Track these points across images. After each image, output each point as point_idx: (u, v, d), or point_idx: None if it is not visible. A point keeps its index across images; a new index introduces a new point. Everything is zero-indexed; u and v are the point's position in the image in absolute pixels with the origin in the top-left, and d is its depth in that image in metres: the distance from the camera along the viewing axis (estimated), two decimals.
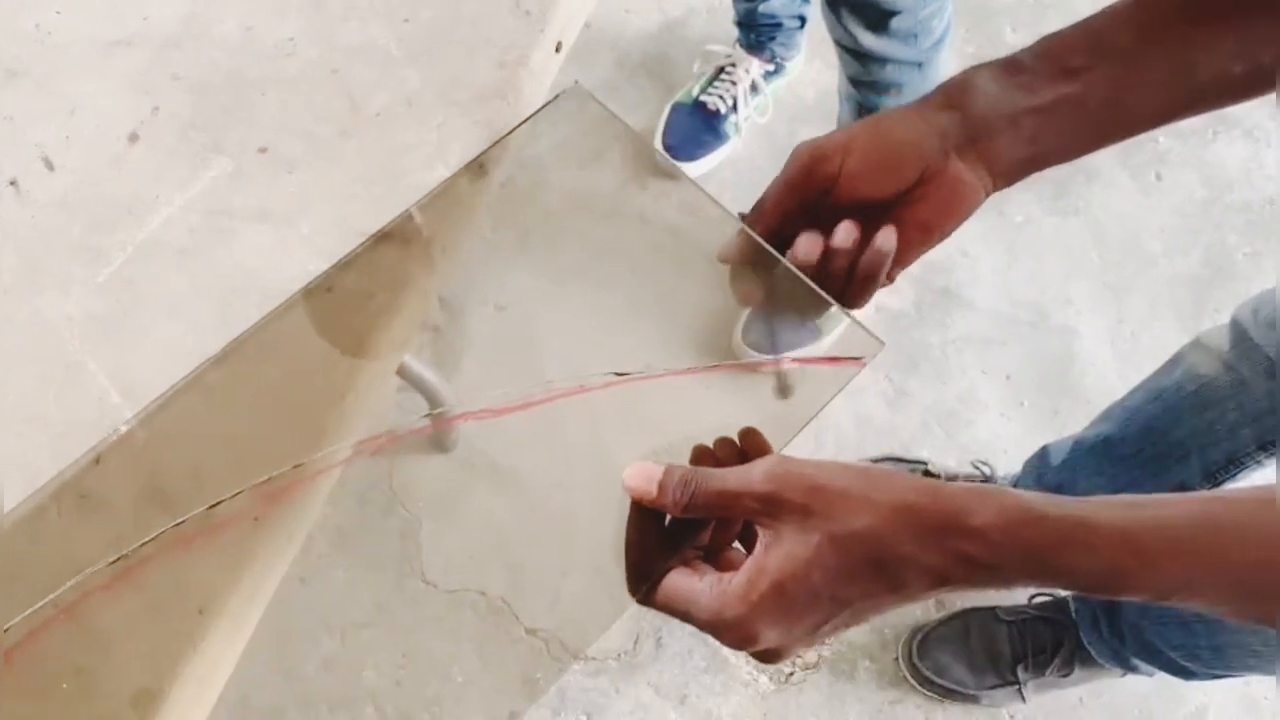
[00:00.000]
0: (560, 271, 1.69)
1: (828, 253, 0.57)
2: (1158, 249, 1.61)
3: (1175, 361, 1.07)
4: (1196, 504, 0.42)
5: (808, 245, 0.58)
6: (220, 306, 0.59)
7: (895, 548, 0.43)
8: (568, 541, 1.49)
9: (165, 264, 0.60)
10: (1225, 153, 1.69)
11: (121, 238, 0.61)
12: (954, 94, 0.57)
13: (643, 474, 0.49)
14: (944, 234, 0.59)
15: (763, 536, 0.46)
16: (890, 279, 0.59)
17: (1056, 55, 0.56)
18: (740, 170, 1.69)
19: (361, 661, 1.29)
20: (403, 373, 1.37)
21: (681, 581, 0.48)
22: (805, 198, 0.58)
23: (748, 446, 0.53)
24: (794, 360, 0.65)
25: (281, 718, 1.25)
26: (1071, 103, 0.55)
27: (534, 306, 1.68)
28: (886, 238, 0.56)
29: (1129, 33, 0.55)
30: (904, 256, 0.59)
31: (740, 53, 1.62)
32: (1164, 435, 1.04)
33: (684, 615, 0.48)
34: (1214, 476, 1.00)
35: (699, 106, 1.63)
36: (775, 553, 0.45)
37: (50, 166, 0.63)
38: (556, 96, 0.71)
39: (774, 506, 0.45)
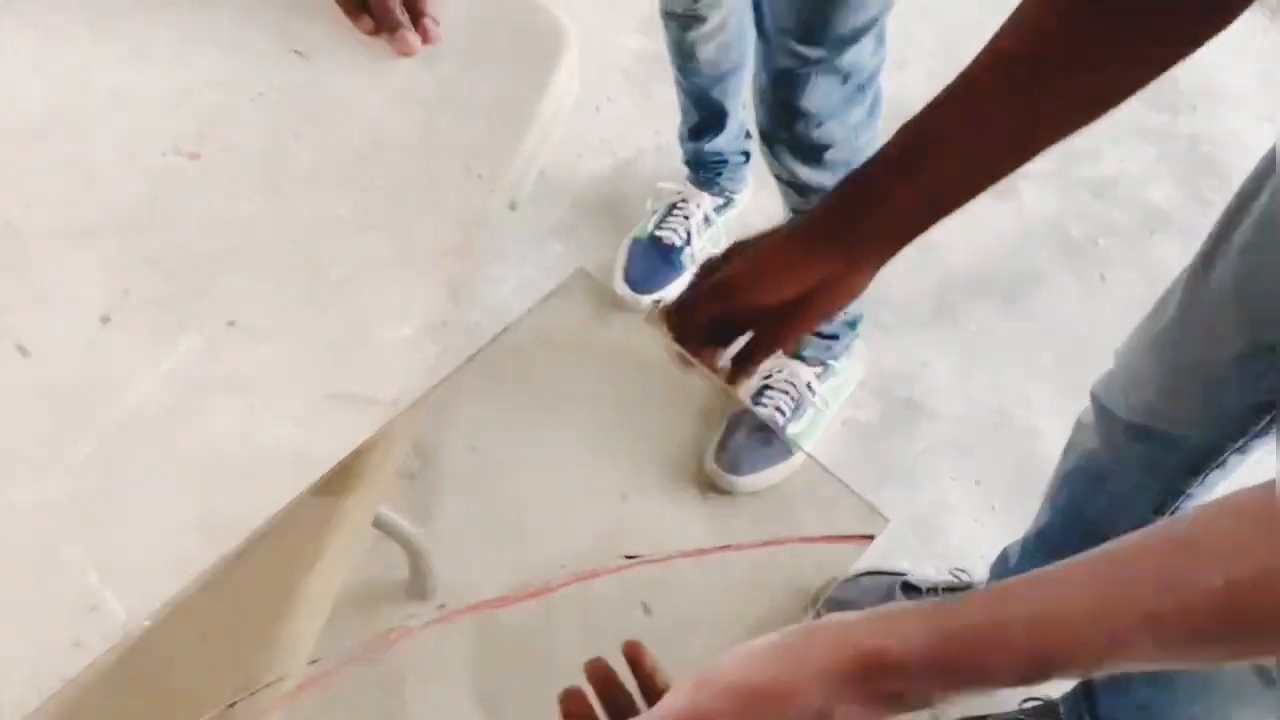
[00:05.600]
0: (529, 407, 1.71)
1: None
2: (1107, 345, 1.65)
3: (1069, 446, 1.15)
4: (1097, 559, 0.43)
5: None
6: (197, 478, 0.60)
7: (831, 714, 0.43)
8: (553, 691, 1.46)
9: (141, 441, 0.61)
10: (1163, 250, 1.75)
11: (96, 418, 0.62)
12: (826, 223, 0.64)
13: None
14: (841, 310, 0.67)
15: None
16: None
17: (894, 159, 0.62)
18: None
19: None
20: (379, 524, 1.37)
21: None
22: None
23: (632, 662, 0.55)
24: (804, 540, 0.69)
25: None
26: (923, 191, 0.61)
27: (506, 444, 1.69)
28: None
29: (962, 115, 0.60)
30: (801, 336, 0.71)
31: (691, 189, 1.68)
32: (1082, 514, 1.10)
33: None
34: None
35: (655, 241, 1.68)
36: None
37: (25, 353, 0.64)
38: (569, 278, 0.76)
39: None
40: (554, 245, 1.80)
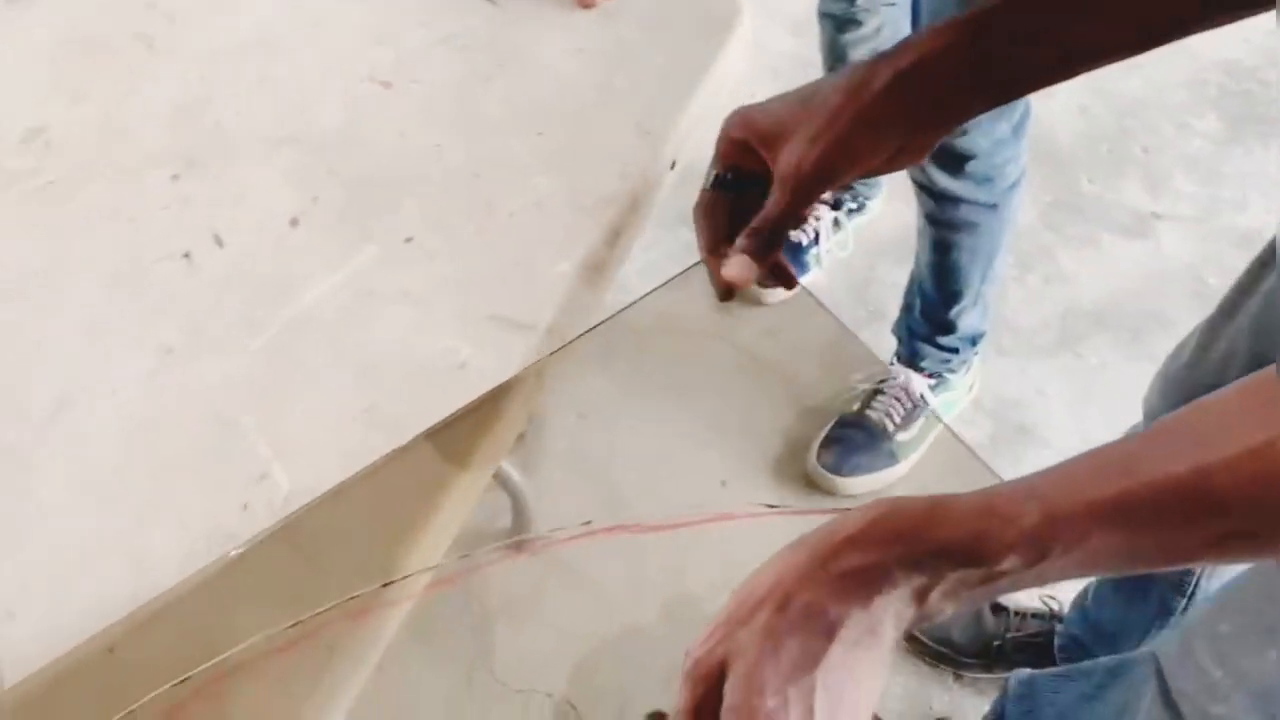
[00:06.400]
0: (640, 385, 1.75)
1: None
2: None
3: None
4: (1091, 452, 0.44)
5: (741, 271, 0.58)
6: (363, 375, 0.65)
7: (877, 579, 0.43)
8: (639, 651, 1.50)
9: (317, 335, 0.66)
10: None
11: (277, 311, 0.67)
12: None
13: None
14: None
15: None
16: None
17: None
18: (820, 299, 1.74)
19: None
20: (499, 479, 1.42)
21: None
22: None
23: None
24: None
25: None
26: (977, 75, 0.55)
27: (613, 417, 1.73)
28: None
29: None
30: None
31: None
32: None
33: None
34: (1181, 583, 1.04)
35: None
36: None
37: (220, 243, 0.70)
38: (693, 266, 0.77)
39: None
40: (684, 232, 1.83)
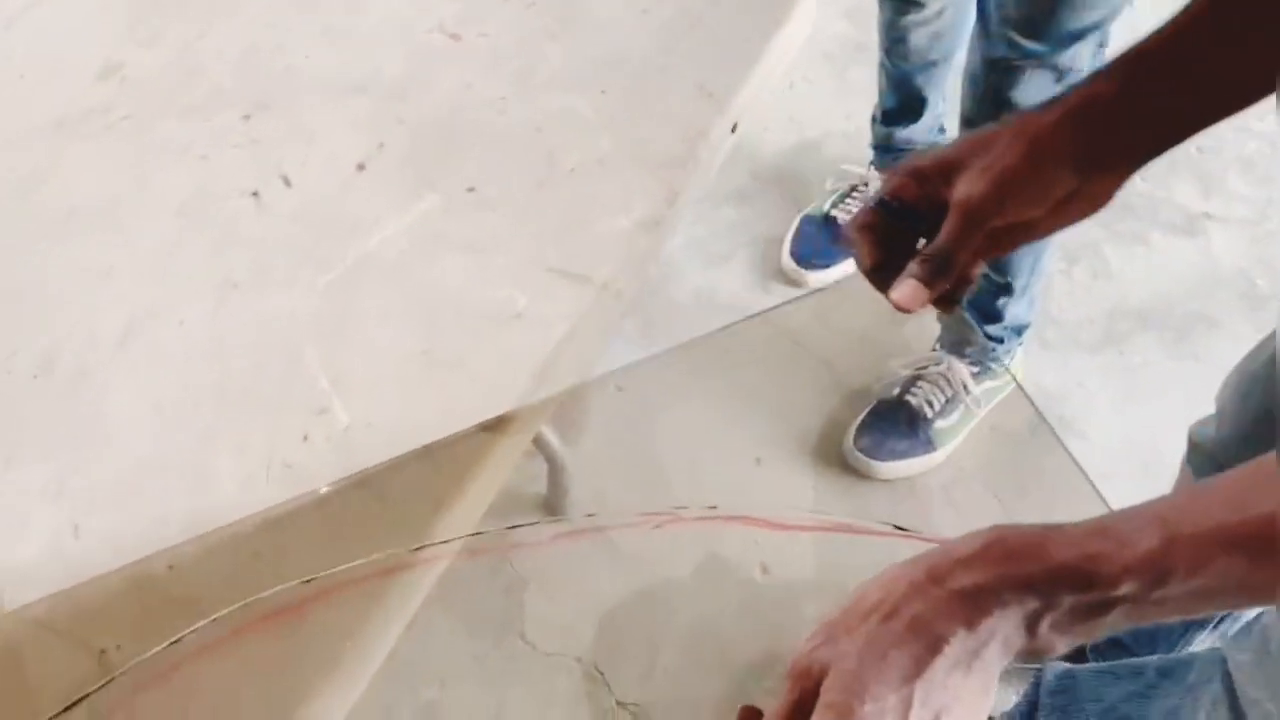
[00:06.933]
0: (681, 360, 1.75)
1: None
2: None
3: (1176, 484, 1.12)
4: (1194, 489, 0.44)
5: (911, 296, 0.59)
6: (422, 317, 0.66)
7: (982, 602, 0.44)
8: (667, 620, 1.51)
9: (379, 277, 0.68)
10: None
11: (342, 251, 0.69)
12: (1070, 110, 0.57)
13: None
14: (1062, 229, 0.60)
15: None
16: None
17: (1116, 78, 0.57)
18: (862, 283, 1.74)
19: (456, 713, 1.32)
20: (538, 443, 1.43)
21: None
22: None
23: None
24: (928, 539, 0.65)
25: None
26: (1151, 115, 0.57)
27: (652, 391, 1.74)
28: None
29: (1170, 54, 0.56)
30: (1016, 248, 0.62)
31: (874, 174, 1.70)
32: None
33: None
34: None
35: (828, 220, 1.70)
36: None
37: (288, 184, 0.71)
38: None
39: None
40: (728, 210, 1.84)
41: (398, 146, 0.74)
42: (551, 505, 1.51)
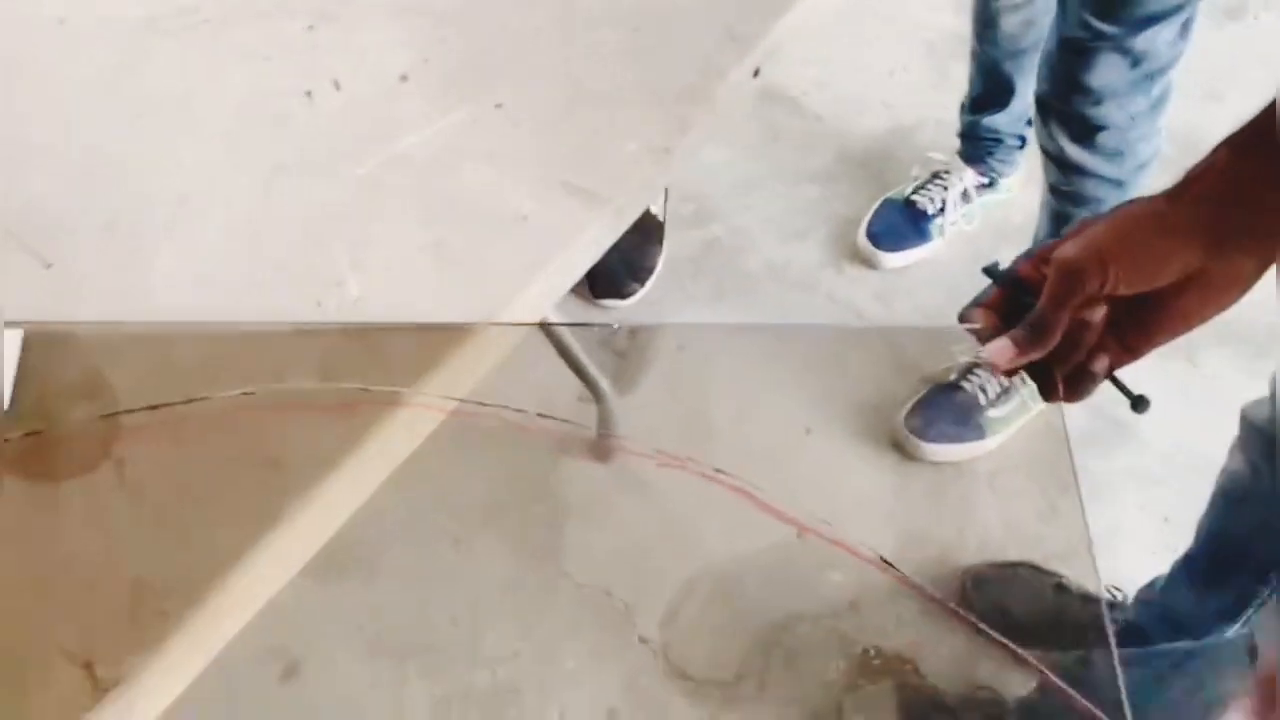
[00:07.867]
0: (744, 327, 1.80)
1: None
2: None
3: (1221, 471, 1.12)
4: None
5: (999, 353, 0.59)
6: (440, 215, 0.73)
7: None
8: (697, 564, 1.56)
9: (405, 177, 0.75)
10: None
11: (377, 149, 0.76)
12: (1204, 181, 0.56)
13: None
14: (1203, 320, 0.58)
15: None
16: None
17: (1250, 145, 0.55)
18: (936, 271, 1.75)
19: (486, 628, 1.39)
20: (592, 388, 1.50)
21: None
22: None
23: None
24: None
25: (406, 660, 1.37)
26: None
27: (711, 354, 1.78)
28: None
29: None
30: (1154, 340, 0.61)
31: (957, 161, 1.70)
32: (1226, 537, 1.08)
33: None
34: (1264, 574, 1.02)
35: (908, 204, 1.72)
36: None
37: (338, 87, 0.79)
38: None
39: None
40: (810, 189, 1.87)
41: (440, 62, 0.80)
42: (601, 449, 1.57)
